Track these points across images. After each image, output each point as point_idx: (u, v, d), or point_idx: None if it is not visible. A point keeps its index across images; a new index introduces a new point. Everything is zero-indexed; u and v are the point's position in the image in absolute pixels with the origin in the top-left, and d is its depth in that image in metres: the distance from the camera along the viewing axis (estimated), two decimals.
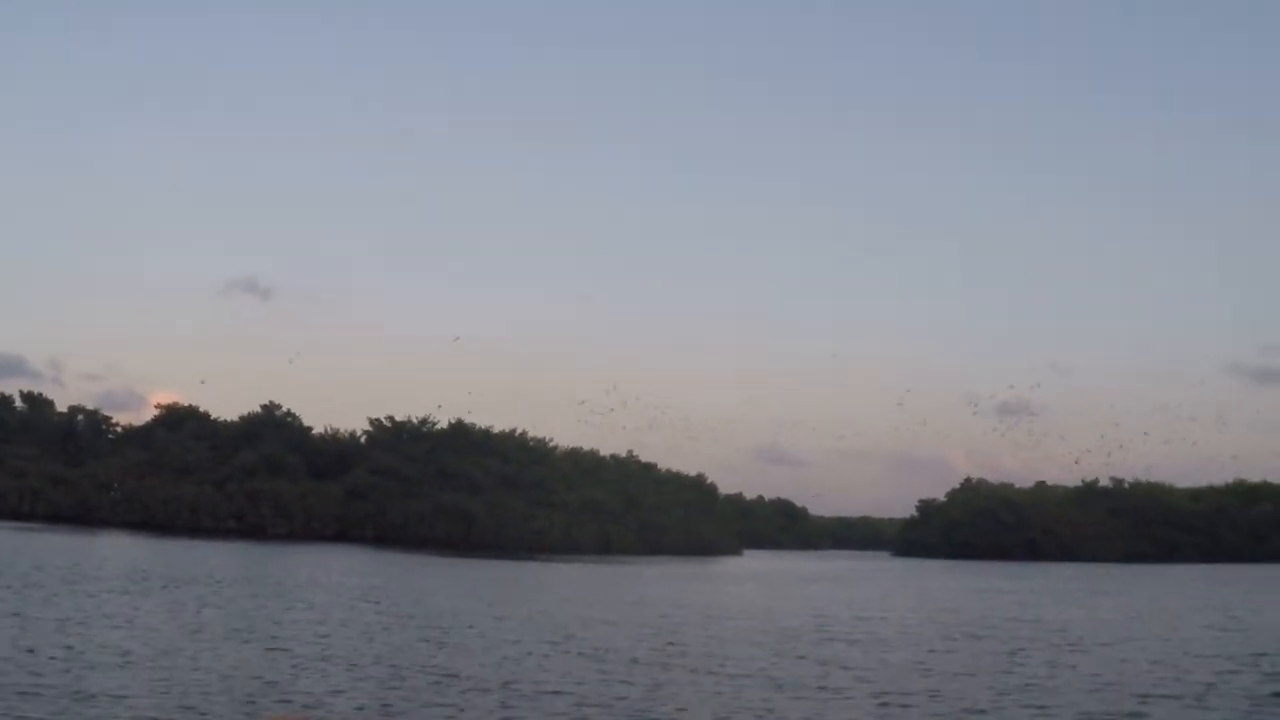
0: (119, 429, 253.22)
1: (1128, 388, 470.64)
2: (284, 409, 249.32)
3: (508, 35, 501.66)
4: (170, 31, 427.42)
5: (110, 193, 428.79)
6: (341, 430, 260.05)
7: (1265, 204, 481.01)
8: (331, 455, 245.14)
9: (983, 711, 33.69)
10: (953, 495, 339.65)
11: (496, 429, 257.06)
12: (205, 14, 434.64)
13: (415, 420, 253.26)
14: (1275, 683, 40.21)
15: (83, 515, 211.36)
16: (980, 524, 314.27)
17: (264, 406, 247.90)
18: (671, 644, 49.59)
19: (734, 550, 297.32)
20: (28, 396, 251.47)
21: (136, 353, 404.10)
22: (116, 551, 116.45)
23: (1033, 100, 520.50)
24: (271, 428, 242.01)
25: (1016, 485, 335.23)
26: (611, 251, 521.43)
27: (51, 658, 36.80)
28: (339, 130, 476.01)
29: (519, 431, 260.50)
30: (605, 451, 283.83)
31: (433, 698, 32.69)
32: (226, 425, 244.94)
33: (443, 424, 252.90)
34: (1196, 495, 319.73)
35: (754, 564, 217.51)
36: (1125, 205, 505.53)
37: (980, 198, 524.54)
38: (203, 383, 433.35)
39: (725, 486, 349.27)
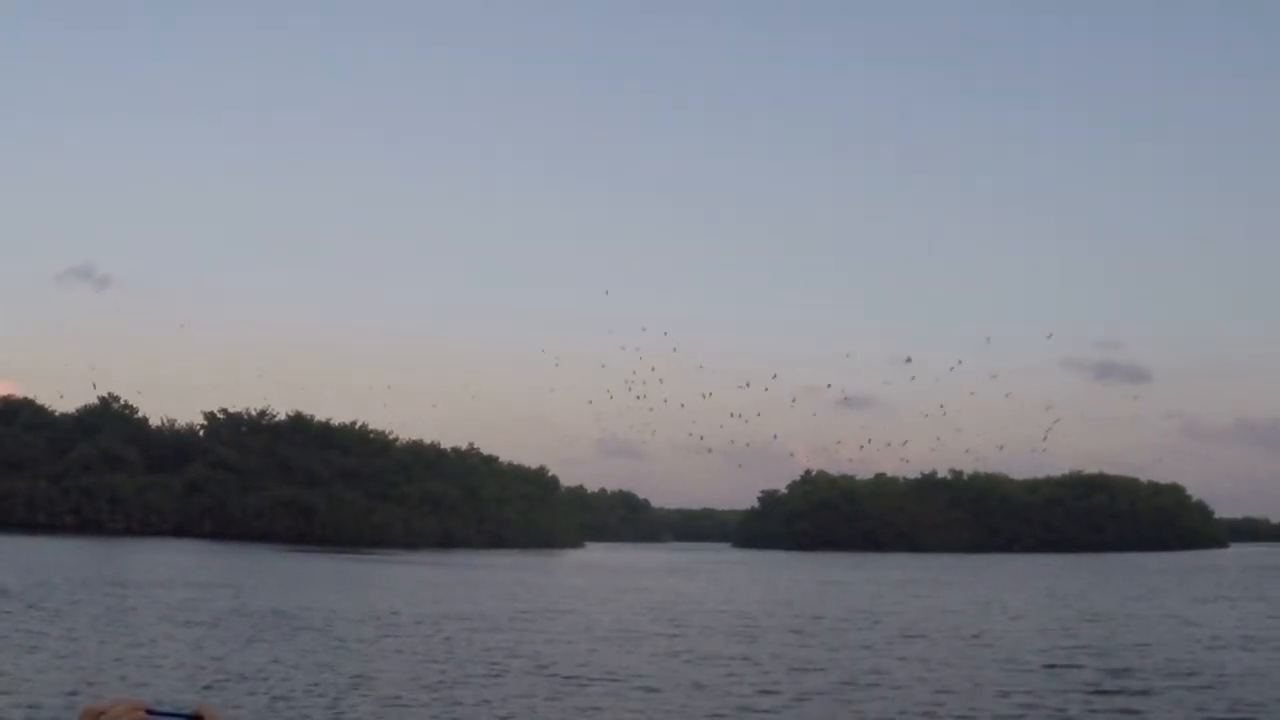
0: None
1: (967, 381, 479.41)
2: (121, 401, 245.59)
3: (364, 31, 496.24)
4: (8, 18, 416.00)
5: None
6: (179, 422, 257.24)
7: (1105, 200, 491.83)
8: (170, 448, 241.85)
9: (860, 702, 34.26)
10: (793, 487, 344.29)
11: (336, 422, 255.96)
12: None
13: (253, 412, 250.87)
14: (1111, 677, 41.03)
15: None
16: (821, 515, 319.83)
17: (101, 398, 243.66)
18: (542, 649, 48.37)
19: (576, 543, 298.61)
20: None
21: None
22: None
23: (878, 97, 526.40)
24: (109, 420, 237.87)
25: (857, 477, 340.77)
26: (457, 247, 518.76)
27: None
28: (179, 120, 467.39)
29: (359, 424, 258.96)
30: (447, 444, 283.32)
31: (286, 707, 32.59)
32: (63, 418, 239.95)
33: (281, 416, 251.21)
34: (1033, 487, 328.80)
35: (597, 556, 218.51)
36: (966, 201, 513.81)
37: (823, 190, 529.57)
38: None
39: (567, 479, 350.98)
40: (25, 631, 45.73)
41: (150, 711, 2.89)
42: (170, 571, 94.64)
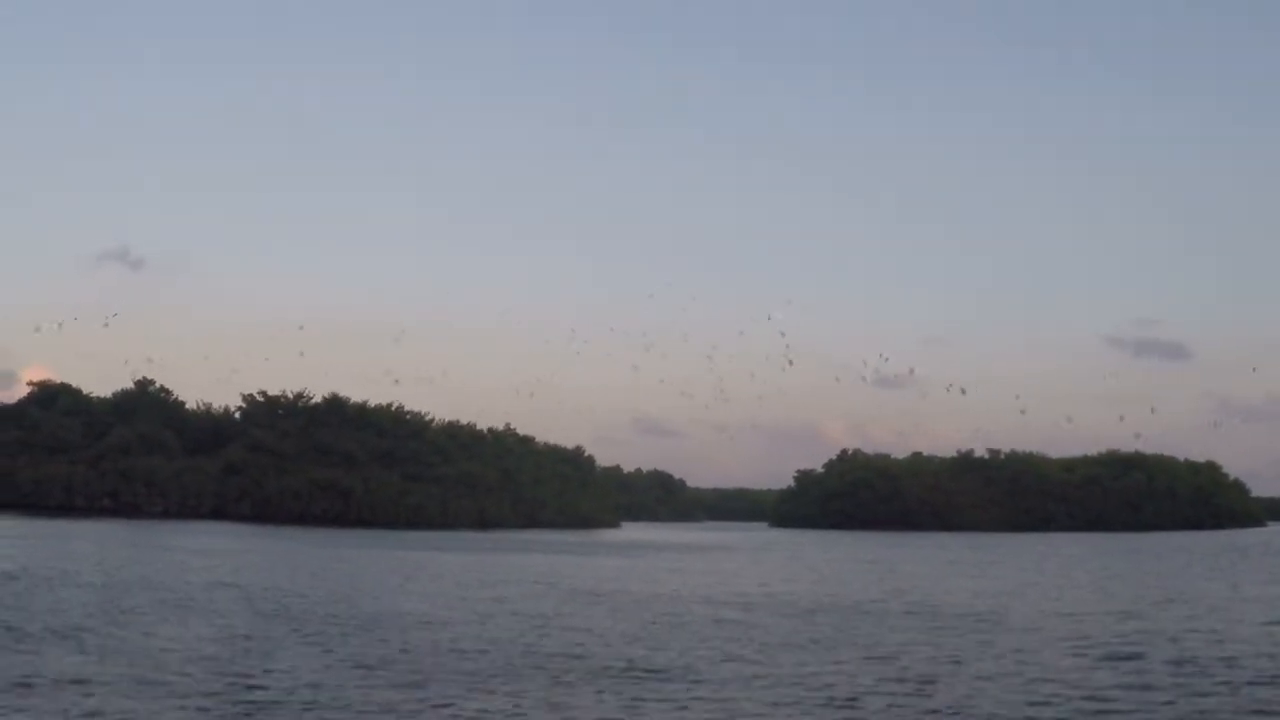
0: None
1: (1005, 359, 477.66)
2: (157, 384, 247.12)
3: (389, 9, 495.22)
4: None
5: None
6: (216, 406, 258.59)
7: (1141, 176, 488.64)
8: (206, 431, 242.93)
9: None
10: (830, 466, 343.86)
11: (373, 403, 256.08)
12: None
13: (290, 395, 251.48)
14: (1179, 667, 39.75)
15: None
16: (857, 494, 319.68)
17: (137, 382, 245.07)
18: (596, 635, 47.89)
19: (612, 522, 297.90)
20: None
21: (6, 328, 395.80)
22: None
23: (922, 74, 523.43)
24: (145, 404, 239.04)
25: (893, 456, 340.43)
26: (497, 218, 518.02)
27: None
28: (216, 101, 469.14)
29: (395, 406, 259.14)
30: (482, 425, 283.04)
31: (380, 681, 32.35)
32: (100, 401, 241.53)
33: (318, 399, 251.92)
34: (1070, 466, 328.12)
35: (636, 535, 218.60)
36: (1003, 177, 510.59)
37: (856, 170, 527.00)
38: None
39: (603, 459, 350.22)
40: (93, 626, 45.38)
41: None
42: (223, 558, 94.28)
